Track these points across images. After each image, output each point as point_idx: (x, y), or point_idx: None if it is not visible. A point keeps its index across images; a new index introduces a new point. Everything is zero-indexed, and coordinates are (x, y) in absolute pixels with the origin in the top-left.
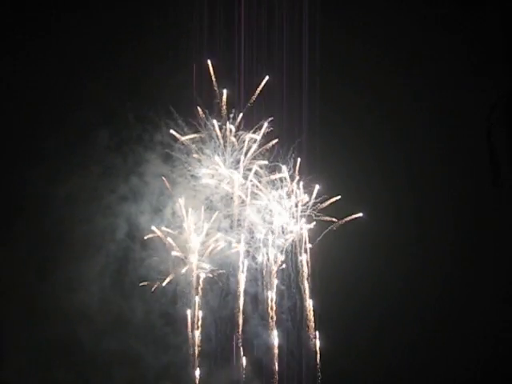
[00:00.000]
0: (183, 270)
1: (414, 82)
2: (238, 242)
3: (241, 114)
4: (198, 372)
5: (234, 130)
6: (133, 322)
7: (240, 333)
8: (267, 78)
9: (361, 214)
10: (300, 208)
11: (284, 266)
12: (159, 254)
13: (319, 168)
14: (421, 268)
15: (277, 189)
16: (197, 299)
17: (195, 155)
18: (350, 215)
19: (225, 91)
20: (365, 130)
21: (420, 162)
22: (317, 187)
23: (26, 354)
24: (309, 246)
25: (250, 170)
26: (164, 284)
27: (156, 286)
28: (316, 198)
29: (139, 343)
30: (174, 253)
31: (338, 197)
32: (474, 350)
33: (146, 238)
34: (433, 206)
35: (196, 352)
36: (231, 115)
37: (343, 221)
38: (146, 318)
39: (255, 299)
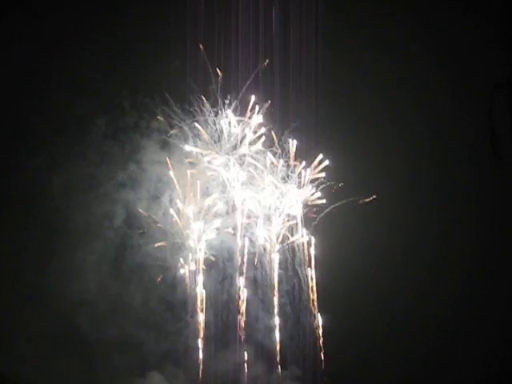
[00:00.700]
0: (182, 257)
1: (415, 61)
2: (235, 226)
3: (241, 107)
4: (201, 354)
5: (230, 115)
6: (133, 308)
7: (241, 315)
8: (266, 61)
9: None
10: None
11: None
12: (157, 241)
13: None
14: (421, 248)
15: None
16: (200, 280)
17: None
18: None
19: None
20: (366, 112)
21: (421, 144)
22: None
23: (26, 342)
24: (305, 232)
25: (245, 155)
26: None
27: (160, 277)
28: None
29: (140, 329)
30: (173, 239)
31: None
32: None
33: (144, 225)
34: (436, 191)
35: (200, 335)
36: (227, 101)
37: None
38: (146, 304)
39: (255, 282)
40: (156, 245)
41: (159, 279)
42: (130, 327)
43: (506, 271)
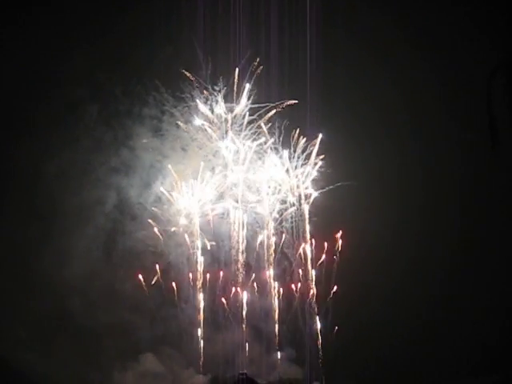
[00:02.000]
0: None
1: (415, 43)
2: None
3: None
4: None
5: (221, 100)
6: (125, 293)
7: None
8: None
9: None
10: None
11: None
12: (148, 228)
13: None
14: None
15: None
16: (200, 259)
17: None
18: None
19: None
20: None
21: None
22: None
23: (20, 328)
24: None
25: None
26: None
27: (156, 277)
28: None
29: (135, 314)
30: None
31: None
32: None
33: (136, 211)
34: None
35: (201, 315)
36: (217, 88)
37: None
38: (139, 290)
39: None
40: (172, 229)
41: (153, 282)
42: (123, 312)
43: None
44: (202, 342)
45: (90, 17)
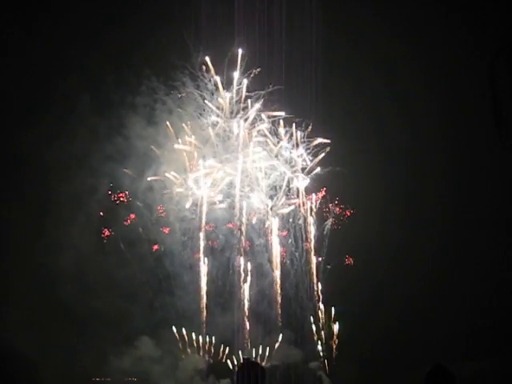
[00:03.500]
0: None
1: (415, 28)
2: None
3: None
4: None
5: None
6: (120, 280)
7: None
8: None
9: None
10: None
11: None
12: (143, 218)
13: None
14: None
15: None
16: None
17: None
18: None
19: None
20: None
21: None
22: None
23: (15, 315)
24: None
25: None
26: None
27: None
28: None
29: (128, 300)
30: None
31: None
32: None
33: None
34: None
35: (204, 298)
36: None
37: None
38: (135, 277)
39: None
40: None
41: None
42: (118, 299)
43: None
44: (204, 325)
45: (82, 8)
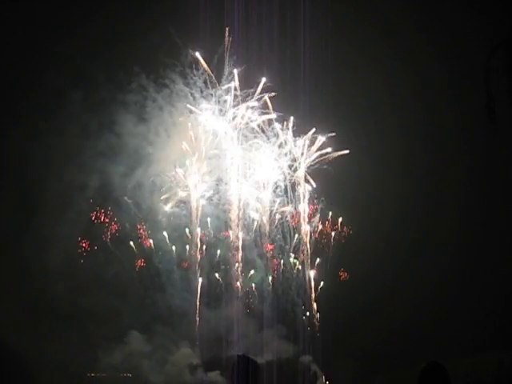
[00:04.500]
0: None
1: (414, 23)
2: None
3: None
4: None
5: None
6: (111, 277)
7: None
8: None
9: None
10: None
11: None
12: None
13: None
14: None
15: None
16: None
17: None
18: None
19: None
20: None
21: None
22: None
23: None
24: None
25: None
26: None
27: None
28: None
29: (120, 298)
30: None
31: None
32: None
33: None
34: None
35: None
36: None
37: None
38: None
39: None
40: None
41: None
42: (110, 296)
43: None
44: (197, 320)
45: (72, 4)
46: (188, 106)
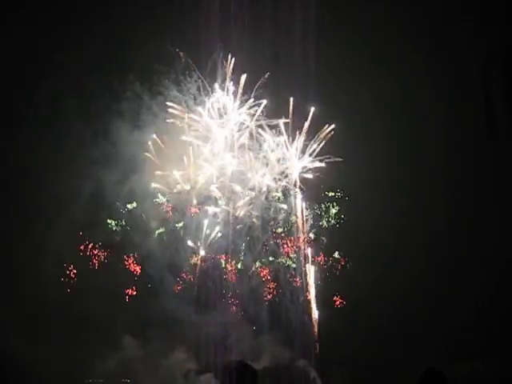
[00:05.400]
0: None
1: (412, 28)
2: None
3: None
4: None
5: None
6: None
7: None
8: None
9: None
10: None
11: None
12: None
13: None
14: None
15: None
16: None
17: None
18: None
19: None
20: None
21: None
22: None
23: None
24: None
25: None
26: None
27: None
28: None
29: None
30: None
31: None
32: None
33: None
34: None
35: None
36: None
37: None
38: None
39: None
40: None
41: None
42: (102, 302)
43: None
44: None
45: (68, 11)
46: (181, 112)
